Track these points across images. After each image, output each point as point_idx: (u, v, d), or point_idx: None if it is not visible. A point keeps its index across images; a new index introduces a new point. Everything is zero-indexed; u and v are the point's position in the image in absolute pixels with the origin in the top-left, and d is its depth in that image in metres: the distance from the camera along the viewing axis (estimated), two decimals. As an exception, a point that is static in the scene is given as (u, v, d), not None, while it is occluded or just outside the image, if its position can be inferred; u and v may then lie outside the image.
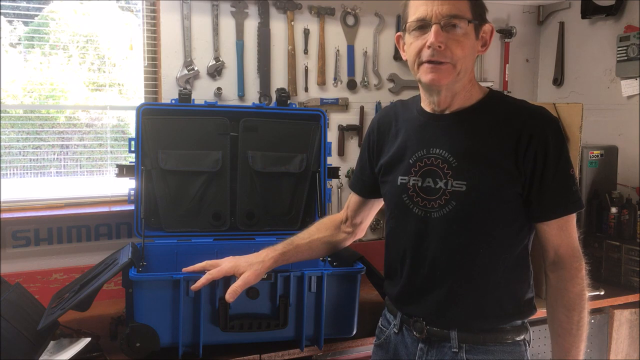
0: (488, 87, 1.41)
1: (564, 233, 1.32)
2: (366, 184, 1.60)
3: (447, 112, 1.37)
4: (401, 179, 1.40)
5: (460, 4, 1.27)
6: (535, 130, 1.28)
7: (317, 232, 1.66)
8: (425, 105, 1.41)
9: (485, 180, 1.30)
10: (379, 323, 1.56)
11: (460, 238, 1.33)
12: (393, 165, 1.44)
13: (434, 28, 1.26)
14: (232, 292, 1.50)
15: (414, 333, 1.41)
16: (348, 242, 1.71)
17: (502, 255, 1.33)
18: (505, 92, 2.94)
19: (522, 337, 1.38)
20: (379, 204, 1.65)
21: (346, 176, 2.62)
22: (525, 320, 1.39)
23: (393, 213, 1.46)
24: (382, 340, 1.51)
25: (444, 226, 1.34)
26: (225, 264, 1.54)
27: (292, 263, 1.64)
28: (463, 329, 1.35)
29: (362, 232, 1.71)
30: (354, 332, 1.80)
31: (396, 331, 1.46)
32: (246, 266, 1.52)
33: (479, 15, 1.30)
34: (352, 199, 1.66)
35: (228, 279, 1.61)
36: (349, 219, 1.67)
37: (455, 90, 1.34)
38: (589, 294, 1.36)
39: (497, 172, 1.29)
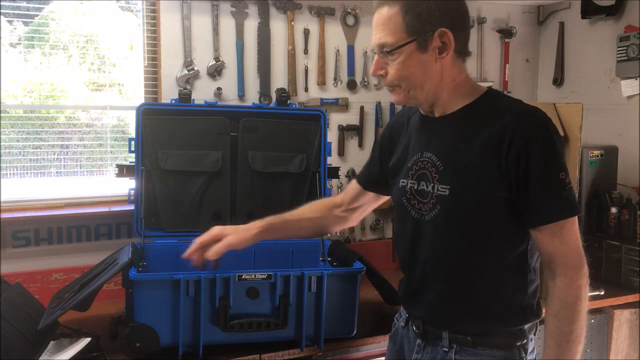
0: (488, 87, 1.39)
1: (557, 240, 1.27)
2: (371, 176, 1.60)
3: (437, 115, 1.37)
4: (402, 182, 1.42)
5: (392, 28, 1.27)
6: (517, 132, 1.23)
7: (309, 212, 1.65)
8: None
9: (467, 184, 1.28)
10: (396, 315, 1.58)
11: (447, 241, 1.33)
12: (398, 169, 1.46)
13: (375, 58, 1.33)
14: (213, 252, 1.51)
15: (414, 328, 1.43)
16: (338, 228, 1.69)
17: (490, 259, 1.31)
18: (505, 92, 2.94)
19: (518, 343, 1.34)
20: (376, 201, 1.66)
21: (346, 176, 2.62)
22: (523, 327, 1.35)
23: (396, 215, 1.48)
24: (393, 332, 1.55)
25: (433, 229, 1.35)
26: (213, 229, 1.56)
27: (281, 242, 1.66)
28: (453, 330, 1.36)
29: (355, 221, 1.70)
30: (354, 332, 1.81)
31: (403, 325, 1.49)
32: (232, 231, 1.54)
33: (419, 30, 1.26)
34: (352, 185, 1.66)
35: (227, 280, 1.63)
36: (344, 203, 1.66)
37: (429, 100, 1.34)
38: (586, 303, 1.30)
39: (480, 177, 1.27)
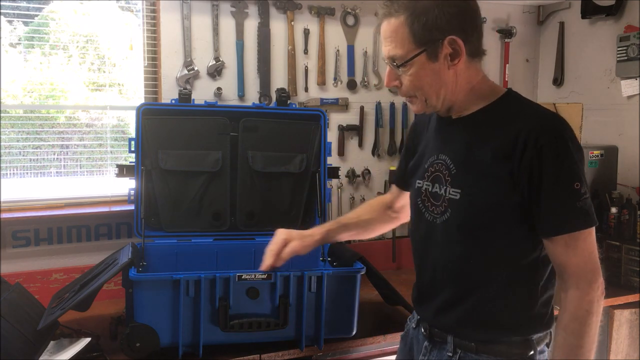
0: (508, 88, 1.34)
1: (571, 251, 1.22)
2: (402, 176, 1.62)
3: (454, 117, 1.35)
4: (418, 183, 1.41)
5: (400, 40, 1.24)
6: (531, 138, 1.19)
7: (365, 213, 1.69)
8: None
9: (478, 189, 1.26)
10: (409, 316, 1.58)
11: (456, 246, 1.32)
12: (416, 168, 1.45)
13: (387, 69, 1.31)
14: (281, 259, 1.56)
15: (422, 330, 1.44)
16: (392, 226, 1.73)
17: (499, 266, 1.29)
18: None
19: (525, 355, 1.30)
20: None
21: (346, 176, 2.62)
22: (531, 337, 1.31)
23: (411, 216, 1.48)
24: (405, 332, 1.56)
25: (444, 233, 1.33)
26: (278, 236, 1.58)
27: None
28: (458, 335, 1.35)
29: (406, 217, 1.68)
30: (354, 332, 1.80)
31: (414, 326, 1.49)
32: (297, 237, 1.58)
33: (427, 39, 1.23)
34: (392, 187, 1.69)
35: (227, 280, 1.63)
36: (392, 204, 1.69)
37: (446, 105, 1.32)
38: (599, 317, 1.25)
39: (491, 182, 1.25)
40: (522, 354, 1.31)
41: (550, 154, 1.19)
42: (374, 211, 1.69)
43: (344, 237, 1.67)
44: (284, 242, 1.56)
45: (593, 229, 1.23)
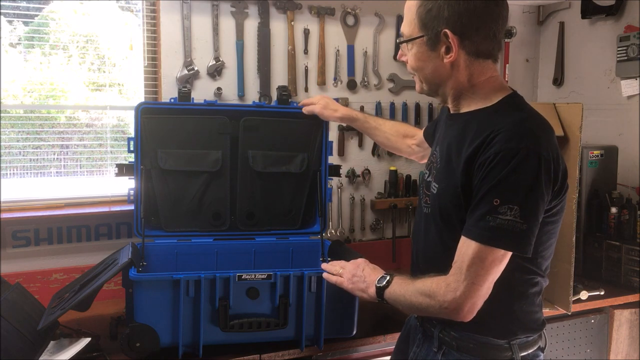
0: (513, 91, 1.32)
1: (459, 253, 1.21)
2: (428, 133, 1.71)
3: (451, 112, 1.39)
4: (424, 170, 1.49)
5: (409, 19, 1.31)
6: (490, 144, 1.19)
7: (387, 128, 1.94)
8: None
9: (449, 187, 1.28)
10: None
11: (432, 239, 1.36)
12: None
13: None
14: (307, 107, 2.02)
15: (418, 323, 1.47)
16: (406, 155, 1.94)
17: None
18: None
19: (504, 358, 1.29)
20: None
21: (346, 176, 2.62)
22: (512, 342, 1.30)
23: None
24: (407, 319, 1.60)
25: (426, 224, 1.39)
26: (318, 97, 2.02)
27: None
28: (441, 331, 1.36)
29: (418, 159, 1.88)
30: (354, 332, 1.81)
31: (415, 315, 1.51)
32: (327, 104, 2.00)
33: (428, 26, 1.26)
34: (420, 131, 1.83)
35: (227, 280, 1.63)
36: (417, 139, 1.83)
37: (439, 95, 1.36)
38: (425, 312, 1.30)
39: (458, 182, 1.25)
40: (501, 356, 1.29)
41: (494, 163, 1.17)
42: (394, 135, 1.91)
43: (363, 131, 2.03)
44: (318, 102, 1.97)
45: (496, 252, 1.17)
